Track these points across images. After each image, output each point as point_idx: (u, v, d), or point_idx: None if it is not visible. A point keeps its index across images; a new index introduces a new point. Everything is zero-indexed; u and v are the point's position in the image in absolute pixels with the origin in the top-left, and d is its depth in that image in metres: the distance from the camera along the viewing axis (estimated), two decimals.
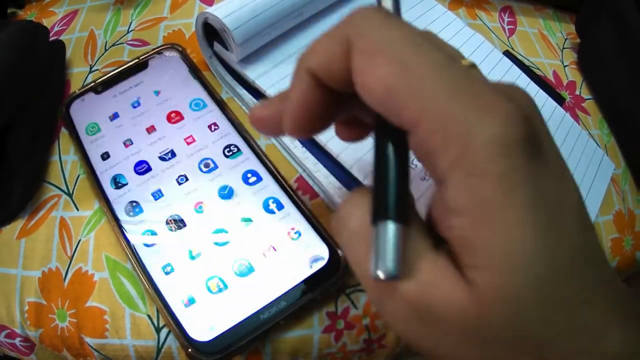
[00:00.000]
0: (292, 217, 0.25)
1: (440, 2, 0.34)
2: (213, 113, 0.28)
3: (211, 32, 0.28)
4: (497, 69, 0.31)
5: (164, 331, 0.24)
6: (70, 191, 0.27)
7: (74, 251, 0.25)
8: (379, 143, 0.14)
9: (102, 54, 0.31)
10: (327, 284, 0.23)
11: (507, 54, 0.33)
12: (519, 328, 0.12)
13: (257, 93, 0.28)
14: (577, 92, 0.34)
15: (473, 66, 0.14)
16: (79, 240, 0.26)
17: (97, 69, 0.31)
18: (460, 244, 0.12)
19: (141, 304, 0.24)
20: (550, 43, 0.36)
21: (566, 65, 0.35)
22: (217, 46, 0.28)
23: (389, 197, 0.13)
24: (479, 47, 0.32)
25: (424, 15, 0.32)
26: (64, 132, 0.29)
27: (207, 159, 0.27)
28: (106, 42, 0.32)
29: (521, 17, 0.37)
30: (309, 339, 0.24)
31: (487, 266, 0.11)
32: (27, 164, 0.27)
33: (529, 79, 0.32)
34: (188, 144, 0.27)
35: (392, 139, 0.13)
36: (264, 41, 0.28)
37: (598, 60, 0.33)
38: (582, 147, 0.29)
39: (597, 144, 0.30)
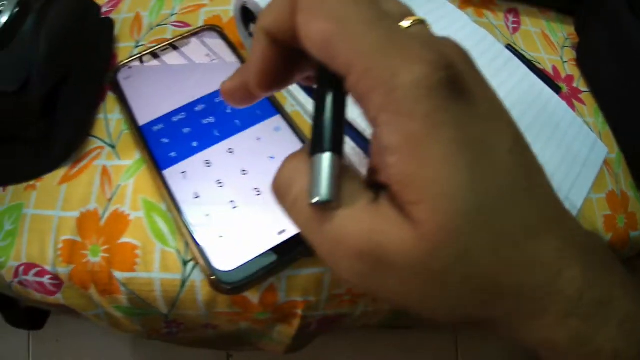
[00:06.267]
0: None
1: (450, 2, 0.37)
2: None
3: (247, 15, 0.31)
4: (498, 59, 0.34)
5: (190, 265, 0.26)
6: (114, 144, 0.30)
7: (113, 194, 0.28)
8: (319, 88, 0.14)
9: (148, 32, 0.35)
10: None
11: (509, 47, 0.36)
12: (468, 261, 0.12)
13: None
14: (575, 85, 0.36)
15: (421, 22, 0.15)
16: (119, 185, 0.28)
17: (143, 44, 0.34)
18: (398, 181, 0.13)
19: (171, 240, 0.26)
20: (552, 41, 0.39)
21: (565, 62, 0.38)
22: (253, 27, 0.32)
23: (325, 133, 0.14)
24: (482, 39, 0.35)
25: (435, 11, 0.36)
26: (110, 95, 0.32)
27: (240, 116, 0.30)
28: (151, 23, 0.35)
29: (525, 18, 0.40)
30: (321, 277, 0.26)
31: (424, 199, 0.12)
32: (70, 117, 0.30)
33: (528, 70, 0.34)
34: (224, 105, 0.30)
35: (330, 85, 0.14)
36: None
37: (593, 55, 0.36)
38: (576, 131, 0.32)
39: (592, 130, 0.33)
